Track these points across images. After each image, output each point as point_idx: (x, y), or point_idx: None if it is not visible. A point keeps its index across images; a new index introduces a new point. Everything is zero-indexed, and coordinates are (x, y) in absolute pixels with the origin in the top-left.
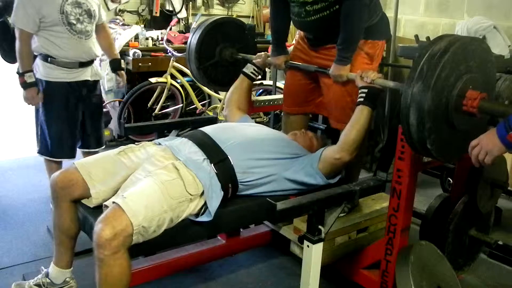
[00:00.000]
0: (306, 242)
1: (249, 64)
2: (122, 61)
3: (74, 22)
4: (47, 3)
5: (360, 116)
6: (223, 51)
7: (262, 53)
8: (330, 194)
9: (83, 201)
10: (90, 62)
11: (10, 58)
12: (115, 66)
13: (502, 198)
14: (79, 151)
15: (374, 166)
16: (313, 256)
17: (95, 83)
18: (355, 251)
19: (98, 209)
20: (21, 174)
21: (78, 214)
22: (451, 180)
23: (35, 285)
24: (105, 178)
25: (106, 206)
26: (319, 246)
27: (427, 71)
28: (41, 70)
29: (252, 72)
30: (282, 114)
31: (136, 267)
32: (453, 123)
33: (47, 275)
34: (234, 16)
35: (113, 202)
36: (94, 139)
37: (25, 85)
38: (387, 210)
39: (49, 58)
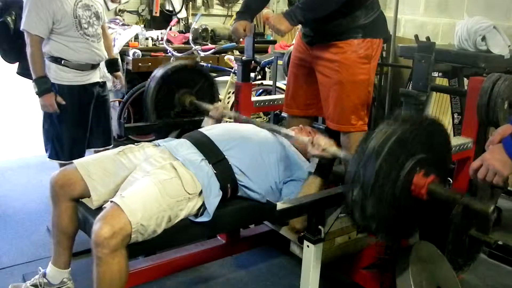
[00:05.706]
0: (306, 242)
1: (206, 118)
2: (121, 61)
3: (86, 26)
4: (61, 7)
5: (311, 186)
6: (181, 99)
7: (218, 104)
8: (330, 194)
9: (83, 200)
10: (99, 64)
11: (10, 58)
12: (111, 66)
13: (502, 198)
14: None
15: None
16: (313, 256)
17: (104, 84)
18: (355, 251)
19: (99, 210)
20: (21, 174)
21: (78, 214)
22: (451, 180)
23: (32, 285)
24: (104, 178)
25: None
26: (319, 246)
27: (364, 177)
28: (52, 73)
29: None
30: (282, 113)
31: (136, 267)
32: (403, 209)
33: (44, 275)
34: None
35: (111, 201)
36: (102, 138)
37: (40, 92)
38: None
39: (62, 61)
